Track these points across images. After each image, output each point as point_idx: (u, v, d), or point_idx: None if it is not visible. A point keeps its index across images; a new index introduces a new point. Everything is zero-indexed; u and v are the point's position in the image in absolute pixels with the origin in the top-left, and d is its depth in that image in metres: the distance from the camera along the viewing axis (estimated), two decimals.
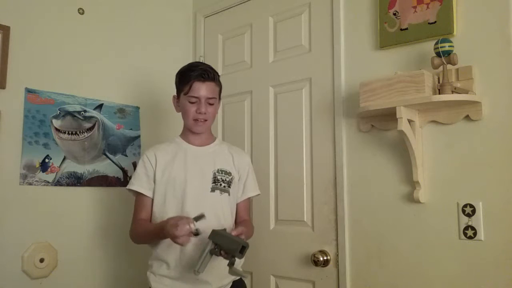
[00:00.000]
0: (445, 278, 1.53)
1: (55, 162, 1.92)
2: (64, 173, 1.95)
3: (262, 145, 2.13)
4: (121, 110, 2.17)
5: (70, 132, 1.98)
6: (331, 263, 1.82)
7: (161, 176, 1.63)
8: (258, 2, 2.23)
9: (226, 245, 1.42)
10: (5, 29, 1.79)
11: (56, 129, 1.93)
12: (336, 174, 1.84)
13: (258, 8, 2.22)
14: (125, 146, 2.18)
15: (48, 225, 1.87)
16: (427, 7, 1.61)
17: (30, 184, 1.84)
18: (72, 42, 2.02)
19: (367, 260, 1.73)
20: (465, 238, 1.50)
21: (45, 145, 1.90)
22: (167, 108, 2.05)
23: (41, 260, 1.82)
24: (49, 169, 1.90)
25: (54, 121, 1.93)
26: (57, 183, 1.92)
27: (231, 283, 1.64)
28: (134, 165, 2.14)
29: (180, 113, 1.70)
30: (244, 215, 1.73)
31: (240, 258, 1.44)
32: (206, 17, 2.46)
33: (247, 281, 1.85)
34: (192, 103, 1.63)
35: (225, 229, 1.51)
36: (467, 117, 1.51)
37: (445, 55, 1.46)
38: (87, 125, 2.04)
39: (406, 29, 1.65)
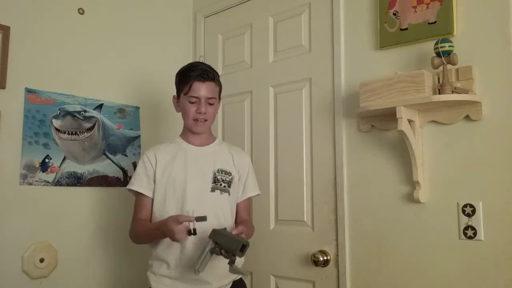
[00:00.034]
0: (445, 278, 1.53)
1: (55, 162, 1.92)
2: (64, 173, 1.95)
3: (262, 145, 2.13)
4: (121, 110, 2.17)
5: (70, 132, 1.98)
6: (331, 263, 1.82)
7: (161, 176, 1.63)
8: (258, 2, 2.23)
9: (227, 244, 1.42)
10: (5, 29, 1.79)
11: (56, 129, 1.93)
12: (336, 174, 1.84)
13: (258, 8, 2.22)
14: (125, 146, 2.18)
15: (48, 225, 1.87)
16: (427, 7, 1.60)
17: (30, 184, 1.84)
18: (72, 42, 2.02)
19: (367, 260, 1.73)
20: (465, 238, 1.50)
21: (45, 145, 1.90)
22: (167, 108, 2.05)
23: (41, 260, 1.82)
24: (49, 169, 1.90)
25: (54, 121, 1.93)
26: (57, 183, 1.92)
27: (231, 283, 1.64)
28: (134, 165, 2.14)
29: (180, 113, 1.70)
30: (244, 215, 1.73)
31: (240, 256, 1.44)
32: (206, 17, 2.46)
33: (247, 281, 1.85)
34: (192, 103, 1.63)
35: (225, 228, 1.51)
36: (467, 117, 1.51)
37: (445, 55, 1.46)
38: (87, 125, 2.04)
39: (406, 29, 1.65)
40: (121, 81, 2.19)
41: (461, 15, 1.55)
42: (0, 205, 1.77)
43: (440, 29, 1.57)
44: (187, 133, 1.70)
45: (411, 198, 1.61)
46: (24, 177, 1.83)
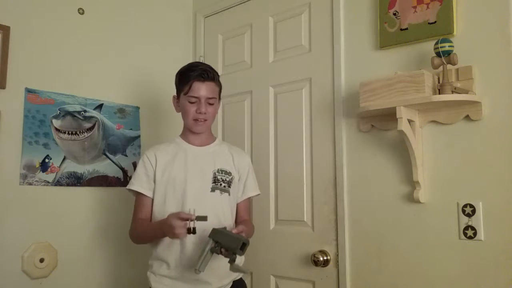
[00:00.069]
0: (445, 278, 1.53)
1: (55, 162, 1.92)
2: (64, 173, 1.95)
3: (262, 145, 2.13)
4: (121, 110, 2.17)
5: (70, 132, 1.98)
6: (331, 263, 1.82)
7: (161, 176, 1.63)
8: (258, 2, 2.23)
9: (227, 243, 1.42)
10: (5, 29, 1.79)
11: (56, 129, 1.93)
12: (336, 174, 1.84)
13: (258, 8, 2.22)
14: (125, 146, 2.18)
15: (48, 225, 1.87)
16: (427, 7, 1.60)
17: (30, 184, 1.84)
18: (72, 42, 2.02)
19: (367, 260, 1.73)
20: (465, 238, 1.50)
21: (45, 145, 1.90)
22: (167, 108, 2.05)
23: (41, 260, 1.82)
24: (49, 169, 1.90)
25: (54, 121, 1.93)
26: (57, 183, 1.92)
27: (231, 283, 1.64)
28: (134, 165, 2.14)
29: (180, 113, 1.70)
30: (244, 215, 1.73)
31: (240, 255, 1.43)
32: (206, 17, 2.46)
33: (247, 281, 1.85)
34: (192, 103, 1.63)
35: (225, 228, 1.51)
36: (467, 117, 1.51)
37: (445, 55, 1.46)
38: (87, 125, 2.04)
39: (406, 29, 1.65)
40: (121, 81, 2.19)
41: (461, 15, 1.55)
42: (0, 205, 1.77)
43: (440, 29, 1.57)
44: (187, 133, 1.70)
45: (411, 198, 1.61)
46: (24, 177, 1.83)
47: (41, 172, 1.87)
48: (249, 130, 2.20)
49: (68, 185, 1.95)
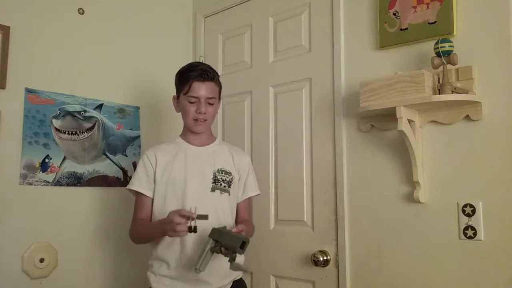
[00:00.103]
0: (445, 278, 1.53)
1: (55, 162, 1.92)
2: (64, 173, 1.95)
3: (262, 145, 2.13)
4: (121, 110, 2.17)
5: (70, 132, 1.98)
6: (331, 263, 1.82)
7: (161, 176, 1.63)
8: (258, 2, 2.23)
9: (226, 242, 1.42)
10: (5, 29, 1.79)
11: (56, 129, 1.93)
12: (336, 174, 1.84)
13: (258, 8, 2.22)
14: (125, 146, 2.18)
15: (48, 225, 1.88)
16: (427, 7, 1.60)
17: (30, 184, 1.84)
18: (72, 42, 2.02)
19: (367, 260, 1.73)
20: (465, 238, 1.50)
21: (45, 145, 1.90)
22: (167, 108, 2.05)
23: (41, 260, 1.82)
24: (49, 169, 1.90)
25: (54, 121, 1.93)
26: (57, 183, 1.92)
27: (231, 283, 1.64)
28: (134, 165, 2.14)
29: (180, 113, 1.70)
30: (244, 215, 1.73)
31: (240, 253, 1.43)
32: (206, 17, 2.46)
33: (247, 281, 1.85)
34: (192, 103, 1.63)
35: (225, 227, 1.51)
36: (467, 117, 1.51)
37: (445, 55, 1.46)
38: (87, 125, 2.04)
39: (406, 29, 1.65)
40: (121, 81, 2.19)
41: (461, 15, 1.55)
42: (0, 205, 1.77)
43: (440, 29, 1.57)
44: (187, 133, 1.70)
45: (411, 198, 1.61)
46: (24, 177, 1.83)
47: (41, 172, 1.87)
48: (249, 130, 2.20)
49: (68, 185, 1.95)
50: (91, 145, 2.04)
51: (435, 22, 1.58)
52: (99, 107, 2.09)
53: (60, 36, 1.98)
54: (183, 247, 1.56)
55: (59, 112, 1.95)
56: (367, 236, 1.73)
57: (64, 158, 1.95)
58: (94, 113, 2.07)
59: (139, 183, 1.64)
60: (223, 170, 1.67)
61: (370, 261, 1.72)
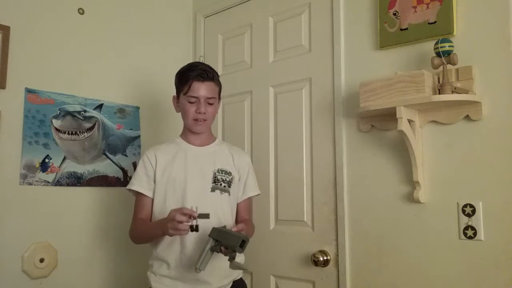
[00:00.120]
0: (445, 278, 1.53)
1: (55, 162, 1.92)
2: (64, 173, 1.95)
3: (262, 145, 2.13)
4: (121, 110, 2.17)
5: (70, 132, 1.98)
6: (331, 263, 1.82)
7: (161, 176, 1.63)
8: (258, 2, 2.23)
9: (226, 241, 1.42)
10: (5, 29, 1.79)
11: (56, 129, 1.93)
12: (336, 174, 1.84)
13: (258, 8, 2.22)
14: (125, 146, 2.18)
15: (48, 225, 1.87)
16: (427, 7, 1.60)
17: (30, 184, 1.84)
18: (72, 42, 2.02)
19: (367, 260, 1.73)
20: (465, 238, 1.50)
21: (45, 145, 1.90)
22: (167, 108, 2.05)
23: (41, 260, 1.82)
24: (49, 169, 1.90)
25: (54, 121, 1.93)
26: (57, 183, 1.92)
27: (231, 283, 1.64)
28: (134, 165, 2.14)
29: (180, 113, 1.70)
30: (244, 215, 1.73)
31: (240, 252, 1.43)
32: (206, 17, 2.46)
33: (247, 281, 1.85)
34: (192, 103, 1.63)
35: (225, 226, 1.51)
36: (467, 117, 1.51)
37: (445, 55, 1.46)
38: (87, 125, 2.04)
39: (406, 29, 1.65)
40: (121, 81, 2.19)
41: (461, 15, 1.55)
42: (0, 205, 1.77)
43: (440, 29, 1.57)
44: (187, 133, 1.70)
45: (411, 198, 1.61)
46: (24, 177, 1.83)
47: (41, 172, 1.87)
48: (249, 130, 2.20)
49: (68, 185, 1.95)
50: (91, 145, 2.04)
51: (435, 22, 1.58)
52: (99, 107, 2.09)
53: (60, 36, 1.98)
54: (183, 247, 1.56)
55: (59, 112, 1.95)
56: (367, 236, 1.73)
57: (64, 158, 1.95)
58: (94, 113, 2.07)
59: (139, 183, 1.64)
60: (223, 170, 1.67)
61: (370, 261, 1.72)
